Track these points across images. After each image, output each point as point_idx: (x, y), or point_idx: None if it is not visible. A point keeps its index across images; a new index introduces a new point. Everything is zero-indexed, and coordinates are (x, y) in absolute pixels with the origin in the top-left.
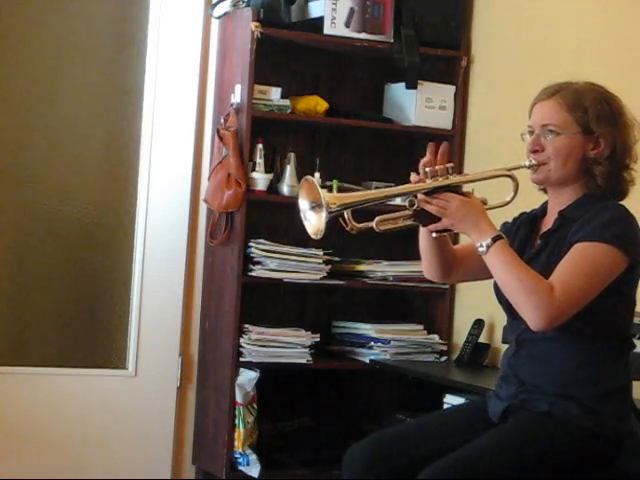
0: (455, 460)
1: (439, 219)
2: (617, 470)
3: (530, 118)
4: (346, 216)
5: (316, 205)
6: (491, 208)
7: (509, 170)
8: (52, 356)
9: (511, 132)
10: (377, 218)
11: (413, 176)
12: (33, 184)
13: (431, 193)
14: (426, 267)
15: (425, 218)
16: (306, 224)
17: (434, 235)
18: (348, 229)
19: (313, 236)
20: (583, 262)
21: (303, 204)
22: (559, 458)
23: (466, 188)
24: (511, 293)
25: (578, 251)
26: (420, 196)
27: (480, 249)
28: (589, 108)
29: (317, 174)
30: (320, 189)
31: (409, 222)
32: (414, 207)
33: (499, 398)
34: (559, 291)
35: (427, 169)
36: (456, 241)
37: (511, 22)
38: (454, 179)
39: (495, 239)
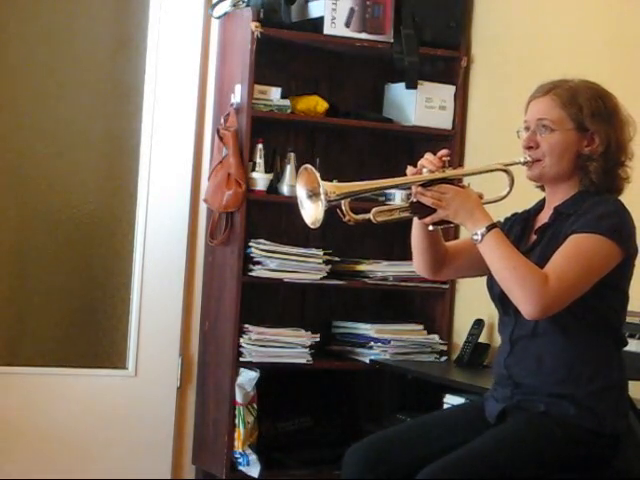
0: (454, 460)
1: (435, 211)
2: (615, 468)
3: (526, 114)
4: (344, 208)
5: (314, 194)
6: (487, 202)
7: (505, 165)
8: (52, 356)
9: (511, 132)
10: (374, 209)
11: (409, 169)
12: (33, 184)
13: (427, 185)
14: (417, 262)
15: (421, 210)
16: (303, 213)
17: (430, 228)
18: (345, 220)
19: (311, 225)
20: (578, 253)
21: (301, 192)
22: (557, 457)
23: (462, 184)
24: (505, 281)
25: (573, 242)
26: (416, 188)
27: (475, 237)
28: (584, 105)
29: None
30: (319, 178)
31: (405, 214)
32: (410, 199)
33: (495, 400)
34: (553, 280)
35: (424, 162)
36: (456, 237)
37: (511, 22)
38: (450, 172)
39: (490, 228)
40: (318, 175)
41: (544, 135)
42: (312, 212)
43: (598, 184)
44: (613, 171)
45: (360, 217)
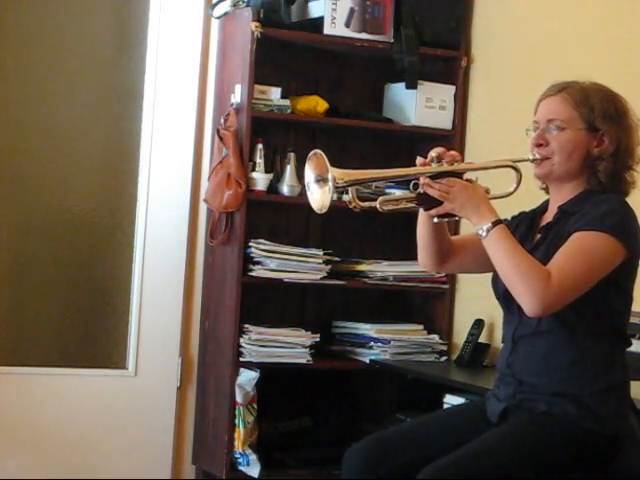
0: (454, 460)
1: (441, 203)
2: (616, 469)
3: (536, 114)
4: (350, 195)
5: (322, 179)
6: (494, 198)
7: (513, 162)
8: (52, 356)
9: (511, 132)
10: (380, 198)
11: (419, 160)
12: (33, 184)
13: (435, 178)
14: (421, 255)
15: (427, 201)
16: (310, 197)
17: (435, 220)
18: (351, 207)
19: (317, 211)
20: (581, 250)
21: (309, 176)
22: (558, 457)
23: (469, 178)
24: (508, 277)
25: (576, 239)
26: (424, 179)
27: (480, 232)
28: (595, 106)
29: None
30: (328, 164)
31: (411, 205)
32: (417, 190)
33: (497, 399)
34: (556, 277)
35: (433, 154)
36: (456, 232)
37: (511, 22)
38: (459, 166)
39: (495, 223)
40: (327, 161)
41: (554, 133)
42: (319, 197)
43: (605, 185)
44: (620, 173)
45: (366, 204)
